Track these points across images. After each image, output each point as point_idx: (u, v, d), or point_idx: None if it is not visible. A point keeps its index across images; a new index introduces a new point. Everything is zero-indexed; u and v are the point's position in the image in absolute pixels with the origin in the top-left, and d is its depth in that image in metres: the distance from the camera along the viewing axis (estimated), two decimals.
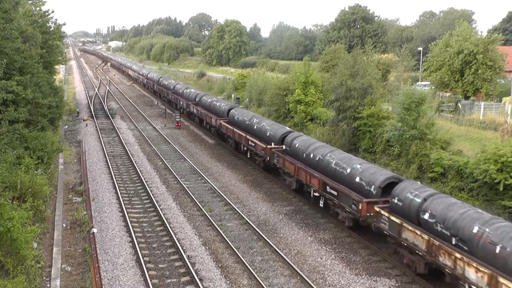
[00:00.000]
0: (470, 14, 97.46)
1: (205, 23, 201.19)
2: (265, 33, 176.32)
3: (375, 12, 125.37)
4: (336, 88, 35.93)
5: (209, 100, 47.09)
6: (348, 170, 23.41)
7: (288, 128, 33.11)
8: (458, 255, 16.29)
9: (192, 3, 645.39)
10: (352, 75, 35.07)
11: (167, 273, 19.26)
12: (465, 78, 44.76)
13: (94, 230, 22.52)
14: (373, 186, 21.64)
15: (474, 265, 15.58)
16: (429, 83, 50.59)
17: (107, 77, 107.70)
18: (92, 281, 18.08)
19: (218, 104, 44.43)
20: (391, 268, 20.08)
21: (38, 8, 41.65)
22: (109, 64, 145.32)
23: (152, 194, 28.18)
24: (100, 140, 42.38)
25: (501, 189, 22.81)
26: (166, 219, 24.40)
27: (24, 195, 21.99)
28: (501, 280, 14.55)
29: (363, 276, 19.32)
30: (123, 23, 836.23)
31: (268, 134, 32.36)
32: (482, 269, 15.28)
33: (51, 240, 21.63)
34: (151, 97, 75.14)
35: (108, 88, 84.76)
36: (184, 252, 20.69)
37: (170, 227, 23.37)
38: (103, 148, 39.45)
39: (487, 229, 15.91)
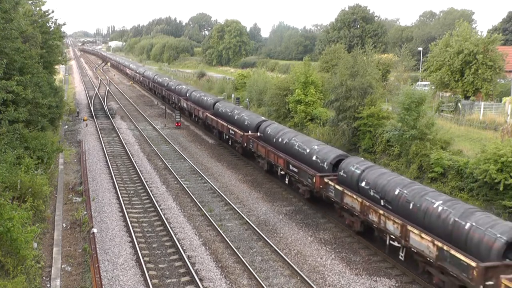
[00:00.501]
0: (470, 14, 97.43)
1: (205, 23, 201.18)
2: (265, 33, 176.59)
3: (375, 12, 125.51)
4: (336, 88, 35.93)
5: (198, 95, 51.37)
6: (308, 151, 27.30)
7: (263, 118, 36.96)
8: (381, 212, 20.40)
9: (192, 3, 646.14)
10: (352, 75, 35.07)
11: (167, 273, 19.26)
12: (465, 78, 44.75)
13: (94, 230, 22.52)
14: (325, 163, 25.61)
15: (391, 218, 19.71)
16: (429, 83, 50.59)
17: (107, 77, 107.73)
18: (92, 281, 18.08)
19: (205, 98, 48.71)
20: (391, 268, 20.09)
21: (38, 8, 41.67)
22: (109, 64, 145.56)
23: (152, 194, 28.18)
24: (100, 140, 42.38)
25: (501, 189, 22.81)
26: (166, 219, 24.40)
27: (24, 195, 21.99)
28: (409, 227, 18.79)
29: (363, 276, 19.33)
30: (123, 23, 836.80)
31: (246, 123, 36.27)
32: (397, 221, 19.41)
33: (51, 240, 21.63)
34: (151, 97, 75.17)
35: (108, 88, 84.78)
36: (184, 252, 20.69)
37: (170, 227, 23.37)
38: (103, 148, 39.45)
39: (405, 191, 19.97)
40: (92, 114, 55.78)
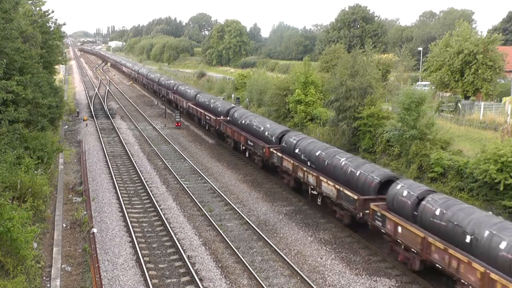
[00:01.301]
0: (470, 14, 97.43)
1: (205, 23, 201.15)
2: (265, 33, 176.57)
3: (375, 12, 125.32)
4: (336, 88, 35.93)
5: (183, 88, 58.58)
6: (262, 128, 33.86)
7: (233, 105, 44.75)
8: (305, 169, 26.56)
9: (192, 3, 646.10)
10: (352, 75, 35.07)
11: (167, 273, 19.26)
12: (465, 78, 44.75)
13: (94, 230, 22.52)
14: (273, 137, 31.99)
15: (311, 172, 25.97)
16: (429, 83, 50.59)
17: (107, 77, 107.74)
18: (92, 281, 18.08)
19: (188, 90, 56.00)
20: (391, 268, 20.09)
21: (38, 8, 41.67)
22: (109, 64, 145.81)
23: (152, 194, 28.18)
24: (100, 140, 42.38)
25: (501, 189, 22.81)
26: (166, 219, 24.41)
27: (24, 195, 21.98)
28: (321, 177, 24.89)
29: (363, 276, 19.33)
30: (123, 23, 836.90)
31: (219, 110, 43.32)
32: (314, 174, 25.61)
33: (51, 240, 21.63)
34: (151, 97, 75.22)
35: (108, 88, 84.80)
36: (184, 252, 20.69)
37: (170, 227, 23.37)
38: (103, 148, 39.45)
39: (323, 153, 26.00)
40: (92, 114, 55.78)
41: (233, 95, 62.74)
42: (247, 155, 35.47)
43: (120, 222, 24.04)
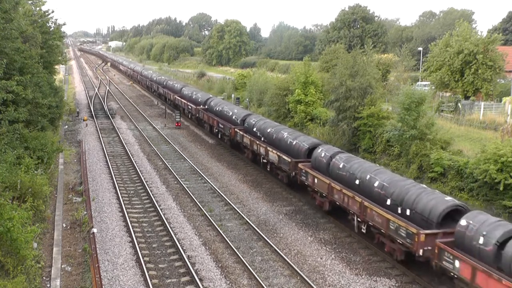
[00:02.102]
0: (470, 14, 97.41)
1: (205, 23, 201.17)
2: (265, 33, 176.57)
3: (375, 12, 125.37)
4: (336, 88, 35.93)
5: (171, 83, 66.82)
6: (231, 113, 40.18)
7: (211, 95, 51.82)
8: (258, 142, 33.02)
9: (192, 3, 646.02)
10: (352, 75, 35.07)
11: (167, 273, 19.26)
12: (465, 78, 44.75)
13: (94, 230, 22.52)
14: (239, 119, 38.18)
15: (262, 145, 32.21)
16: (429, 83, 50.59)
17: (107, 77, 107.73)
18: (92, 281, 18.08)
19: (176, 85, 63.36)
20: (391, 268, 20.09)
21: (38, 8, 41.66)
22: (109, 64, 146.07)
23: (152, 194, 28.18)
24: (100, 140, 42.38)
25: (501, 189, 22.82)
26: (166, 219, 24.40)
27: (24, 195, 21.97)
28: (268, 148, 31.21)
29: (363, 276, 19.32)
30: (123, 23, 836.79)
31: (199, 100, 50.31)
32: (263, 146, 32.10)
33: (51, 240, 21.62)
34: (151, 97, 75.22)
35: (108, 88, 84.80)
36: (184, 252, 20.69)
37: (170, 227, 23.37)
38: (103, 148, 39.45)
39: (272, 129, 32.16)
40: (92, 114, 55.77)
41: (233, 95, 62.73)
42: (219, 137, 41.98)
43: (120, 222, 24.04)
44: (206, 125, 46.52)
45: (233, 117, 39.32)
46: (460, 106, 41.20)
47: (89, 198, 26.97)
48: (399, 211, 19.85)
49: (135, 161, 35.58)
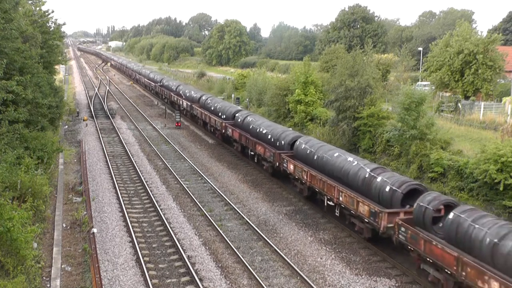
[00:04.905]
0: (470, 14, 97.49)
1: (205, 23, 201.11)
2: (265, 33, 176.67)
3: (375, 12, 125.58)
4: (336, 88, 35.93)
5: (166, 82, 70.38)
6: (218, 107, 44.33)
7: (203, 92, 56.20)
8: (232, 129, 38.28)
9: (192, 3, 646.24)
10: (352, 75, 35.07)
11: (167, 273, 19.26)
12: (465, 78, 44.74)
13: (94, 230, 22.51)
14: (226, 115, 41.79)
15: (236, 131, 37.46)
16: (429, 83, 50.59)
17: (107, 77, 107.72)
18: (92, 281, 18.08)
19: (171, 83, 67.31)
20: (391, 268, 20.09)
21: (38, 8, 41.66)
22: (109, 64, 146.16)
23: (152, 194, 28.18)
24: (100, 140, 42.38)
25: (501, 189, 22.82)
26: (166, 219, 24.40)
27: (24, 195, 21.96)
28: (241, 134, 36.28)
29: (363, 276, 19.32)
30: (123, 23, 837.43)
31: (194, 97, 53.93)
32: (236, 131, 37.32)
33: (51, 240, 21.62)
34: (151, 97, 75.22)
35: (108, 88, 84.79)
36: (184, 252, 20.69)
37: (170, 227, 23.37)
38: (103, 148, 39.45)
39: (250, 119, 36.47)
40: (92, 114, 55.76)
41: (233, 95, 62.71)
42: (208, 129, 46.15)
43: (120, 222, 24.04)
44: (199, 120, 50.13)
45: (219, 113, 43.33)
46: (460, 106, 41.21)
47: (89, 198, 26.96)
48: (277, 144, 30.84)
49: (135, 161, 35.58)
